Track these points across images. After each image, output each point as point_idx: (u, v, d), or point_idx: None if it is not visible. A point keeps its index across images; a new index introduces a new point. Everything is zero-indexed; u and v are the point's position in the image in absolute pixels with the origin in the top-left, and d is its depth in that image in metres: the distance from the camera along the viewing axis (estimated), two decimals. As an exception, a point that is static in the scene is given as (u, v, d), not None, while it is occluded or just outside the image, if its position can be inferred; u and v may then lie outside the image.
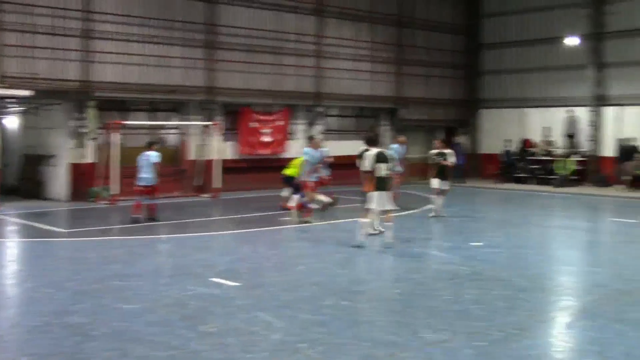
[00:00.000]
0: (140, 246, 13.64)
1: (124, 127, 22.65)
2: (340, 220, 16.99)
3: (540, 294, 9.87)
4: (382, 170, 12.71)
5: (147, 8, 23.10)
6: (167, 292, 9.60)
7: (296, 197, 17.91)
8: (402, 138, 19.64)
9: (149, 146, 17.54)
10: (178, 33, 23.80)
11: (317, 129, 27.53)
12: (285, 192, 18.66)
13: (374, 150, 12.85)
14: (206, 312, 8.60)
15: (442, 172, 17.57)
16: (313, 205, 16.85)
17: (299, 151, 20.50)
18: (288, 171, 19.14)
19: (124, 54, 22.55)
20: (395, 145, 18.46)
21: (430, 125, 32.23)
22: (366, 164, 12.73)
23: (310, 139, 17.80)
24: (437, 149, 18.15)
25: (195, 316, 8.39)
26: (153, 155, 16.96)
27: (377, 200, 12.67)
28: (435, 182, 17.51)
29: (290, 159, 20.21)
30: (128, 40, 22.66)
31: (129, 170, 22.13)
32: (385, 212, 13.09)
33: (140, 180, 16.90)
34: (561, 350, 7.50)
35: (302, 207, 16.79)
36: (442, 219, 17.37)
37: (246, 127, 25.66)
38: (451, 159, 17.86)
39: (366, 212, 13.00)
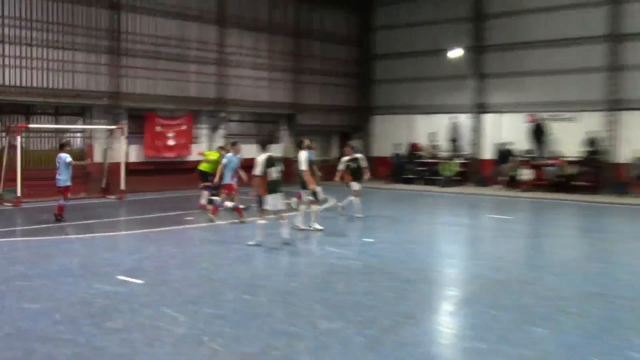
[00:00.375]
0: (46, 247, 13.17)
1: (28, 130, 21.86)
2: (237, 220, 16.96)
3: (426, 285, 10.21)
4: (273, 173, 12.80)
5: (48, 13, 22.24)
6: (73, 291, 9.35)
7: (206, 193, 17.96)
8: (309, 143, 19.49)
9: (61, 148, 17.01)
10: (81, 39, 23.06)
11: (220, 133, 27.44)
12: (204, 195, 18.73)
13: (264, 155, 12.86)
14: (112, 309, 8.43)
15: (358, 175, 17.66)
16: (228, 205, 16.78)
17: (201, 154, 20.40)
18: (202, 166, 19.16)
19: (26, 58, 21.68)
20: (230, 155, 17.64)
21: (326, 130, 32.68)
22: (258, 170, 12.73)
23: (233, 145, 17.53)
24: (349, 155, 18.06)
25: (101, 313, 8.22)
26: (63, 157, 16.47)
27: (271, 202, 12.75)
28: (355, 185, 17.58)
29: (198, 161, 20.20)
30: (30, 45, 21.78)
31: (34, 173, 21.46)
32: (279, 212, 13.16)
33: (57, 181, 16.52)
34: (445, 335, 7.81)
35: (207, 206, 16.84)
36: (343, 217, 17.67)
37: (151, 131, 25.19)
38: (364, 163, 17.93)
39: (262, 213, 12.98)
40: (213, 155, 19.51)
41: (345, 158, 18.13)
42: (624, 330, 7.70)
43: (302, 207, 15.53)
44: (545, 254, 13.66)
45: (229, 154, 16.96)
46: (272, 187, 12.76)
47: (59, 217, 16.41)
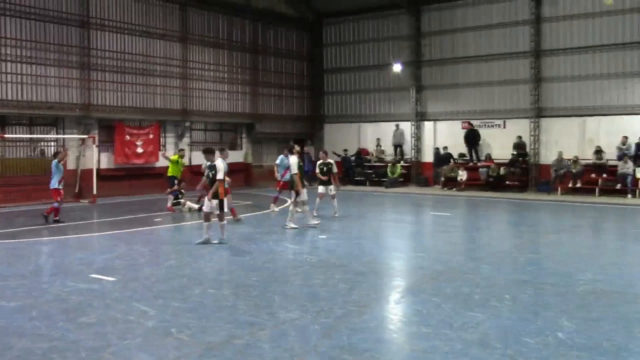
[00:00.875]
0: (22, 248, 12.77)
1: (4, 140, 21.23)
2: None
3: (375, 277, 10.22)
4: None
5: (21, 31, 21.66)
6: (48, 289, 9.09)
7: (172, 197, 17.84)
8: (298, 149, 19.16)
9: (55, 155, 17.21)
10: (53, 55, 22.54)
11: (185, 141, 27.15)
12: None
13: (221, 161, 12.86)
14: (85, 305, 8.22)
15: (329, 180, 17.43)
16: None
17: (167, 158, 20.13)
18: (170, 171, 19.04)
19: (1, 73, 21.06)
20: (282, 156, 18.39)
21: (283, 138, 32.60)
22: (221, 174, 12.66)
23: (222, 151, 17.22)
24: (322, 159, 17.69)
25: (75, 309, 8.00)
26: (54, 163, 16.65)
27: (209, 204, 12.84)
28: (321, 189, 17.41)
29: (165, 167, 20.07)
30: (4, 60, 21.18)
31: (10, 180, 20.86)
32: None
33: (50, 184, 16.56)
34: (393, 321, 7.85)
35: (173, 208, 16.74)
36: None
37: (121, 140, 24.75)
38: (334, 169, 17.67)
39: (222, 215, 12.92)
40: (175, 158, 19.58)
41: (319, 162, 17.79)
42: (552, 314, 7.83)
43: (291, 208, 15.37)
44: (480, 246, 13.84)
45: (220, 159, 16.79)
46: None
47: (47, 214, 16.27)
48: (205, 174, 13.03)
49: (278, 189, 18.68)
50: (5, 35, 21.21)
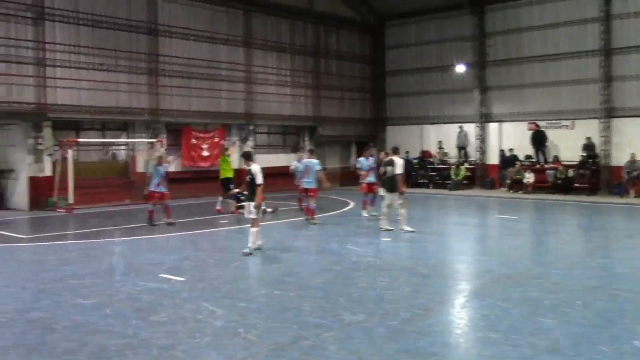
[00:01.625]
0: (95, 249, 13.24)
1: (78, 144, 22.08)
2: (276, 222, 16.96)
3: (440, 280, 10.11)
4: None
5: (94, 39, 22.49)
6: (121, 288, 9.38)
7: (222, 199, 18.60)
8: (368, 152, 19.14)
9: (155, 159, 17.87)
10: (124, 61, 23.29)
11: (249, 144, 27.55)
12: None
13: (258, 166, 12.21)
14: (156, 304, 8.44)
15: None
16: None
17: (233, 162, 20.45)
18: (223, 174, 19.17)
19: (75, 79, 21.91)
20: (362, 159, 18.31)
21: (345, 140, 32.73)
22: (259, 178, 12.01)
23: (311, 152, 18.26)
24: (383, 158, 16.17)
25: (146, 308, 8.23)
26: (152, 166, 17.40)
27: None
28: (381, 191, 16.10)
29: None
30: (78, 68, 22.03)
31: (83, 182, 21.67)
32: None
33: (305, 183, 17.18)
34: (459, 325, 7.72)
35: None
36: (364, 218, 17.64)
37: (187, 144, 25.36)
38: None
39: (254, 221, 12.12)
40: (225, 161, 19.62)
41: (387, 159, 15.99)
42: (627, 321, 7.55)
43: (385, 210, 15.10)
44: (549, 251, 13.45)
45: (304, 160, 17.57)
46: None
47: (150, 219, 16.54)
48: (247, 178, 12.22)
49: (364, 192, 18.11)
50: (79, 43, 22.05)
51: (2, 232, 15.84)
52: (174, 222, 16.63)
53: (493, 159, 29.38)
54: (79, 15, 22.07)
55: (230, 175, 19.51)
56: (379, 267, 11.01)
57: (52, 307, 8.31)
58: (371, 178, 17.60)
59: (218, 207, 19.47)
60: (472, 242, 14.97)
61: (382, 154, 18.28)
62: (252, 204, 12.14)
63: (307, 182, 17.05)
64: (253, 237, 12.11)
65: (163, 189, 16.77)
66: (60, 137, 21.90)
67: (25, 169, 21.25)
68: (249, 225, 12.25)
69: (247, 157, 12.72)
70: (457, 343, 7.04)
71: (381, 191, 15.80)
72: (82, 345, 6.73)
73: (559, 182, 25.73)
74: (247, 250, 11.95)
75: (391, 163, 14.95)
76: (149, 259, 11.82)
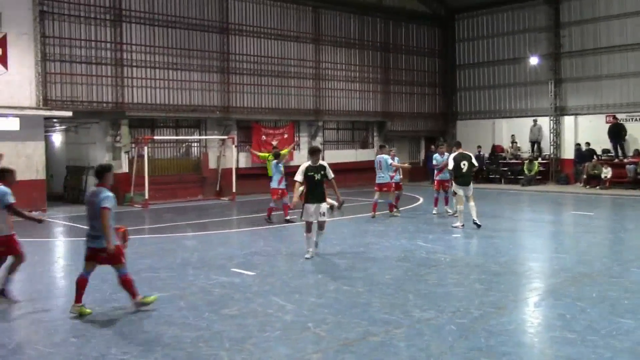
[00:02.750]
0: (170, 243, 13.64)
1: (153, 141, 22.74)
2: (344, 217, 16.96)
3: (512, 277, 9.86)
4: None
5: (168, 39, 23.15)
6: (194, 282, 9.61)
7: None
8: (442, 148, 18.13)
9: (275, 156, 16.79)
10: (196, 60, 23.85)
11: (318, 140, 27.69)
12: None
13: (305, 164, 11.34)
14: (228, 298, 8.60)
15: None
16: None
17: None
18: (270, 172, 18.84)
19: (150, 79, 22.63)
20: (437, 155, 17.92)
21: (413, 136, 32.39)
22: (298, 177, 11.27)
23: (382, 148, 18.12)
24: (454, 152, 15.50)
25: (218, 301, 8.40)
26: (274, 163, 16.39)
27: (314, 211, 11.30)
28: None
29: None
30: (153, 67, 22.72)
31: (158, 179, 22.33)
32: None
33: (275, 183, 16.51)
34: (532, 325, 7.51)
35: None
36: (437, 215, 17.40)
37: (257, 140, 25.71)
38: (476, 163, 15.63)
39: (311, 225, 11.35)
40: (265, 156, 18.94)
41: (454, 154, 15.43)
42: None
43: (460, 207, 15.01)
44: (629, 248, 12.87)
45: (377, 155, 17.48)
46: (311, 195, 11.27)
47: (268, 217, 16.44)
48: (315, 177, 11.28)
49: (437, 189, 17.68)
50: (154, 43, 22.72)
51: (83, 227, 16.47)
52: (291, 220, 16.13)
53: (568, 153, 28.40)
54: (154, 16, 22.73)
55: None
56: (449, 264, 10.84)
57: (129, 298, 8.58)
58: (445, 175, 17.12)
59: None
60: (546, 239, 14.50)
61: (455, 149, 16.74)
62: (325, 205, 11.35)
63: (381, 177, 17.03)
64: (312, 240, 11.37)
65: (284, 186, 16.23)
66: (136, 135, 22.63)
67: (104, 166, 22.04)
68: (305, 230, 11.38)
69: (315, 152, 11.52)
70: (531, 343, 6.84)
71: (454, 187, 15.44)
72: (158, 337, 6.93)
73: (639, 177, 24.62)
74: (309, 255, 11.28)
75: (466, 157, 14.91)
76: (221, 254, 12.05)
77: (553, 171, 28.70)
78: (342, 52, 28.84)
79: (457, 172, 14.94)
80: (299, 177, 11.22)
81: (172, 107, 23.17)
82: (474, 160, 15.07)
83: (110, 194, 8.00)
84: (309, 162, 11.34)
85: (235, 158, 24.21)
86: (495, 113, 31.37)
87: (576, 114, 28.34)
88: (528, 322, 7.63)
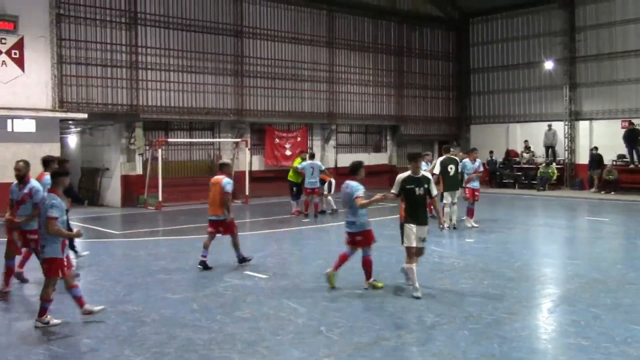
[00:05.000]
0: (183, 245, 13.69)
1: (167, 143, 22.85)
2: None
3: (526, 283, 9.80)
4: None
5: (182, 42, 23.27)
6: (207, 284, 9.65)
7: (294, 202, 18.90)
8: (473, 153, 16.43)
9: (312, 157, 19.06)
10: (210, 63, 23.95)
11: (331, 143, 27.73)
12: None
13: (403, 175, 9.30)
14: (240, 300, 8.63)
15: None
16: None
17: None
18: (290, 176, 19.12)
19: (164, 81, 22.76)
20: (466, 161, 15.90)
21: (427, 140, 32.29)
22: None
23: (424, 156, 16.42)
24: (472, 159, 15.78)
25: (231, 304, 8.42)
26: (317, 164, 18.46)
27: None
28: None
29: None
30: (168, 70, 22.85)
31: (172, 181, 22.44)
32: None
33: (309, 184, 18.04)
34: (547, 331, 7.46)
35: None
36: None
37: (271, 143, 25.77)
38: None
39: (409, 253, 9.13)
40: (296, 163, 19.52)
41: (441, 158, 15.64)
42: None
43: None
44: (643, 255, 12.77)
45: (466, 160, 16.09)
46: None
47: (306, 212, 18.20)
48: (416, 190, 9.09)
49: (470, 198, 15.82)
50: (169, 46, 22.85)
51: (97, 228, 16.62)
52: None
53: (583, 158, 28.18)
54: (169, 19, 22.87)
55: (297, 180, 19.14)
56: (462, 269, 10.80)
57: (143, 300, 8.64)
58: (475, 183, 15.76)
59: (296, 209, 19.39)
60: (560, 244, 14.41)
61: (473, 154, 16.48)
62: (427, 228, 9.17)
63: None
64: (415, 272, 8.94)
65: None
66: (150, 137, 22.76)
67: (118, 168, 22.22)
68: (407, 259, 9.11)
69: (416, 158, 9.33)
70: (545, 349, 6.80)
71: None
72: (171, 339, 6.96)
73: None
74: (418, 294, 8.70)
75: (454, 162, 15.33)
76: (233, 256, 12.03)
77: (567, 176, 28.51)
78: (356, 56, 28.85)
79: (445, 176, 15.15)
80: (394, 189, 9.30)
81: (186, 109, 23.29)
82: (459, 166, 15.41)
83: (57, 200, 7.49)
84: (409, 172, 9.23)
85: (248, 161, 24.27)
86: (509, 117, 31.25)
87: (591, 119, 28.14)
88: (542, 328, 7.59)
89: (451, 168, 15.08)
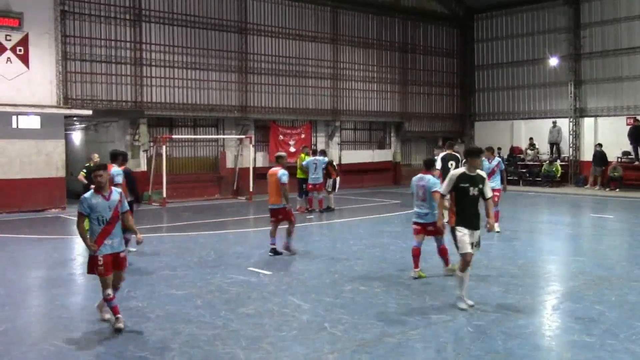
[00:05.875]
0: (187, 241, 13.70)
1: (171, 140, 22.87)
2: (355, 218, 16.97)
3: (530, 280, 9.78)
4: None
5: (187, 39, 23.28)
6: (211, 280, 9.65)
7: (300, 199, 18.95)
8: (489, 152, 15.12)
9: (315, 153, 19.43)
10: (215, 60, 23.96)
11: (335, 140, 27.71)
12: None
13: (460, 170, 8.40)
14: (244, 296, 8.63)
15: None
16: None
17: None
18: (299, 174, 19.07)
19: (169, 78, 22.78)
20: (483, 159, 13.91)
21: (431, 137, 32.26)
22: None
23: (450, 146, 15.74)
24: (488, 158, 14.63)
25: (235, 300, 8.43)
26: (320, 160, 18.64)
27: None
28: None
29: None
30: (172, 67, 22.86)
31: (176, 177, 22.46)
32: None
33: (311, 179, 18.33)
34: (551, 328, 7.45)
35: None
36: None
37: (275, 139, 25.76)
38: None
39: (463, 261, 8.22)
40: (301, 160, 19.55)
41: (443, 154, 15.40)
42: None
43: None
44: (648, 252, 12.73)
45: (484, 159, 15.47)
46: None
47: (312, 209, 18.61)
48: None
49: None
50: (173, 43, 22.86)
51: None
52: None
53: (588, 155, 28.10)
54: (173, 16, 22.88)
55: (302, 176, 19.14)
56: (466, 266, 10.75)
57: (147, 296, 8.65)
58: (492, 183, 13.57)
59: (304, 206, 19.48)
60: (564, 241, 14.36)
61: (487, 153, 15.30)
62: (476, 234, 8.21)
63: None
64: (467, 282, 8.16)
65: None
66: (154, 134, 22.79)
67: (122, 164, 22.22)
68: (460, 267, 8.18)
69: (475, 155, 8.39)
70: (549, 346, 6.79)
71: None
72: (175, 334, 6.97)
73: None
74: (464, 305, 7.92)
75: (454, 158, 14.88)
76: (238, 253, 12.09)
77: (572, 173, 28.45)
78: (360, 52, 28.81)
79: (444, 172, 14.94)
80: (444, 187, 8.40)
81: (190, 106, 23.30)
82: (460, 162, 14.92)
83: (85, 196, 7.35)
84: (464, 169, 8.32)
85: (252, 157, 24.28)
86: (514, 114, 31.17)
87: (596, 116, 28.07)
88: (546, 325, 7.57)
89: (451, 164, 14.99)
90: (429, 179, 9.77)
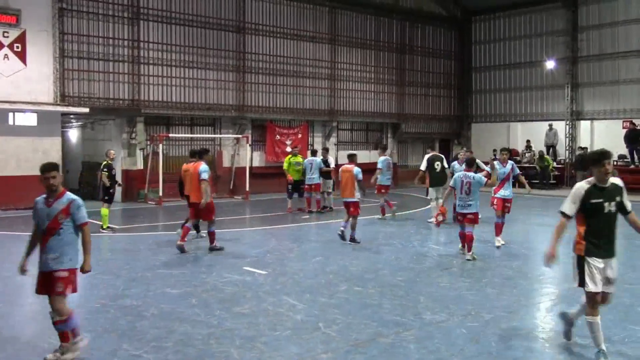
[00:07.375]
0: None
1: (168, 139, 22.85)
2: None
3: (525, 282, 9.82)
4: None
5: (184, 38, 23.24)
6: (206, 279, 9.66)
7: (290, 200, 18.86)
8: (504, 154, 13.56)
9: (314, 154, 19.37)
10: (212, 59, 23.93)
11: (332, 140, 27.73)
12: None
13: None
14: (239, 296, 8.65)
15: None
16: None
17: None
18: (296, 176, 18.91)
19: (166, 76, 22.75)
20: (496, 163, 13.33)
21: (428, 138, 32.27)
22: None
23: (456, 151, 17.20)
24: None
25: (230, 299, 8.44)
26: (316, 161, 18.53)
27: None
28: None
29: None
30: (170, 65, 22.84)
31: (173, 176, 22.38)
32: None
33: (308, 180, 18.41)
34: (545, 330, 7.48)
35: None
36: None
37: (271, 139, 25.77)
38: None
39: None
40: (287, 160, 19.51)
41: (428, 155, 16.64)
42: None
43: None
44: (642, 255, 12.77)
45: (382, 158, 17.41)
46: None
47: (309, 210, 18.47)
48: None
49: (500, 209, 13.26)
50: (171, 42, 22.84)
51: (97, 222, 16.60)
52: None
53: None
54: (171, 14, 22.85)
55: (295, 177, 18.96)
56: (461, 267, 10.81)
57: (142, 295, 8.66)
58: (506, 191, 13.14)
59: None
60: (559, 243, 14.31)
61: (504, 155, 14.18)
62: (613, 263, 6.85)
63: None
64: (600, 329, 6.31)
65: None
66: (151, 132, 22.77)
67: (119, 163, 22.19)
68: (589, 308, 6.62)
69: (603, 157, 6.37)
70: (542, 348, 6.82)
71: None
72: (169, 333, 6.98)
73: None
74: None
75: (439, 159, 16.48)
76: (233, 252, 12.09)
77: (568, 176, 28.51)
78: (357, 53, 28.82)
79: (431, 173, 16.34)
80: (568, 206, 6.75)
81: (187, 105, 23.28)
82: (444, 162, 16.49)
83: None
84: (592, 181, 6.51)
85: (249, 157, 24.29)
86: (510, 116, 31.23)
87: (592, 119, 28.14)
88: (540, 327, 7.60)
89: (437, 164, 16.35)
90: (473, 176, 11.51)
